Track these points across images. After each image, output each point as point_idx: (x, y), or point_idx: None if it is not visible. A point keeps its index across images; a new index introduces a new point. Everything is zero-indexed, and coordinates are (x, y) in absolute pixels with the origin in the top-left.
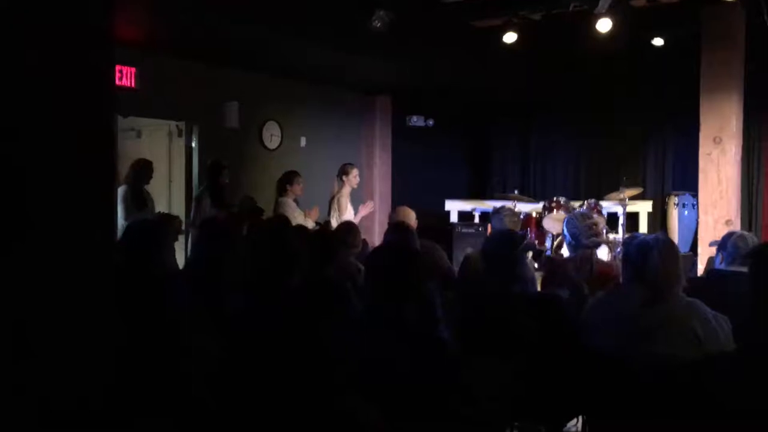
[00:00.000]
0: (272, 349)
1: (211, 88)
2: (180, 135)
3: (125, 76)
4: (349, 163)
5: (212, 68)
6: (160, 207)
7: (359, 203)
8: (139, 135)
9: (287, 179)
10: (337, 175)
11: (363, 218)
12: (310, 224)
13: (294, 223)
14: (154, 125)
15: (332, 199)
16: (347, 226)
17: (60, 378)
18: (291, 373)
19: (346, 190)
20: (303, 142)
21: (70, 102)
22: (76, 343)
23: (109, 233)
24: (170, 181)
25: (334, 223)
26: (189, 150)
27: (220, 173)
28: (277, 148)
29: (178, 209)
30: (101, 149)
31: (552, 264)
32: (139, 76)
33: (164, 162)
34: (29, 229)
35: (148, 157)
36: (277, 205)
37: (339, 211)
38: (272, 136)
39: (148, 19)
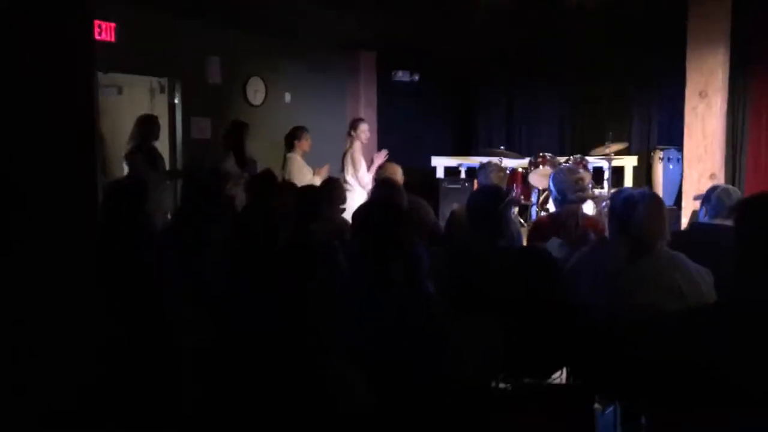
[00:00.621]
0: (259, 311)
1: (193, 43)
2: (162, 91)
3: (105, 31)
4: (360, 118)
5: (194, 23)
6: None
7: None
8: (120, 91)
9: (294, 135)
10: (347, 131)
11: None
12: (318, 182)
13: (303, 180)
14: (135, 81)
15: (344, 155)
16: (331, 182)
17: (43, 372)
18: (278, 335)
19: (358, 145)
20: (288, 98)
21: (46, 58)
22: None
23: (91, 190)
24: None
25: (350, 179)
26: (172, 106)
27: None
28: (261, 104)
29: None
30: (81, 107)
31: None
32: (119, 31)
33: None
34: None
35: (130, 114)
36: (286, 161)
37: (353, 166)
38: (256, 92)
39: None
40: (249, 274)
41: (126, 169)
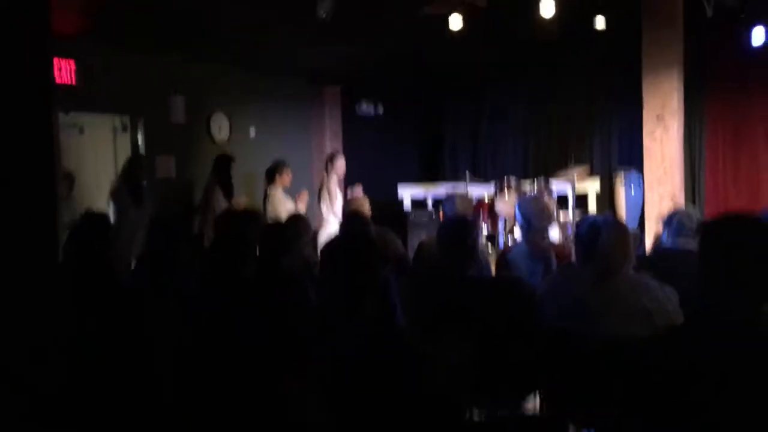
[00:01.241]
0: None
1: (155, 80)
2: (125, 130)
3: (64, 71)
4: (336, 152)
5: (156, 60)
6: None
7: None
8: (81, 131)
9: (276, 169)
10: (324, 164)
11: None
12: (302, 208)
13: (285, 213)
14: (97, 120)
15: (321, 187)
16: (297, 217)
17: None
18: (241, 360)
19: (334, 178)
20: (252, 132)
21: (6, 98)
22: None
23: (52, 229)
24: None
25: (325, 212)
26: (135, 145)
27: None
28: (226, 141)
29: None
30: (41, 147)
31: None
32: (79, 70)
33: (110, 158)
34: None
35: (93, 154)
36: (267, 196)
37: (330, 199)
38: (220, 128)
39: (85, 7)
40: (218, 307)
41: (111, 206)
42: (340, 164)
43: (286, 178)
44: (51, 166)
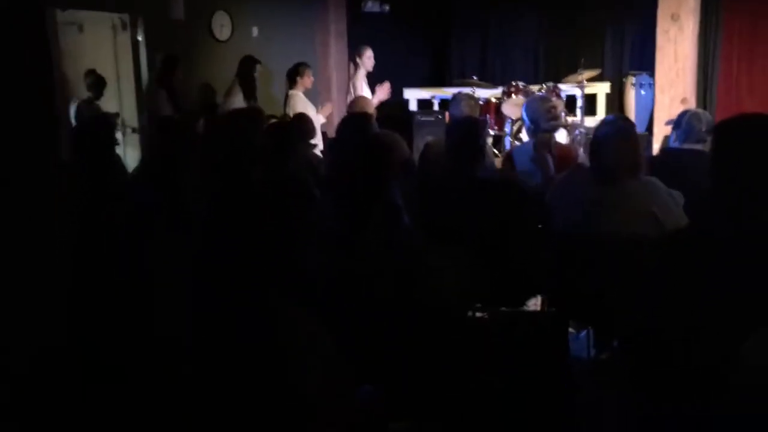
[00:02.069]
0: (236, 246)
1: None
2: (125, 28)
3: None
4: (364, 45)
5: None
6: (110, 105)
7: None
8: (81, 29)
9: (296, 71)
10: (351, 59)
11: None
12: (321, 120)
13: None
14: (96, 18)
15: (349, 83)
16: (302, 117)
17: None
18: (249, 272)
19: (362, 73)
20: (255, 32)
21: None
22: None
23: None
24: (118, 78)
25: None
26: (135, 44)
27: (174, 68)
28: (228, 39)
29: (129, 106)
30: (35, 48)
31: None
32: None
33: (110, 58)
34: None
35: (93, 54)
36: (288, 98)
37: (355, 94)
38: (222, 27)
39: None
40: (226, 210)
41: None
42: (369, 57)
43: (307, 80)
44: (48, 69)
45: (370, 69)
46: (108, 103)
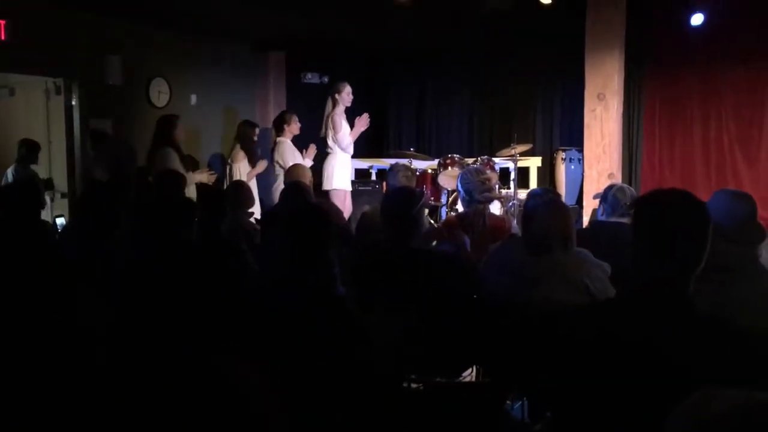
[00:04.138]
0: (162, 303)
1: (91, 41)
2: (58, 92)
3: None
4: (343, 82)
5: (92, 19)
6: (40, 169)
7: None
8: (12, 93)
9: (283, 120)
10: (330, 94)
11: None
12: (308, 163)
13: (293, 162)
14: (29, 82)
15: (326, 117)
16: (238, 185)
17: None
18: (178, 328)
19: (340, 109)
20: (193, 99)
21: None
22: None
23: None
24: (49, 142)
25: (330, 142)
26: (69, 108)
27: (175, 126)
28: (165, 106)
29: (59, 171)
30: None
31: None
32: (9, 28)
33: (42, 122)
34: None
35: (24, 118)
36: (276, 145)
37: (333, 128)
38: (160, 93)
39: None
40: (154, 267)
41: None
42: (347, 93)
43: (294, 126)
44: None
45: (349, 104)
46: (38, 168)
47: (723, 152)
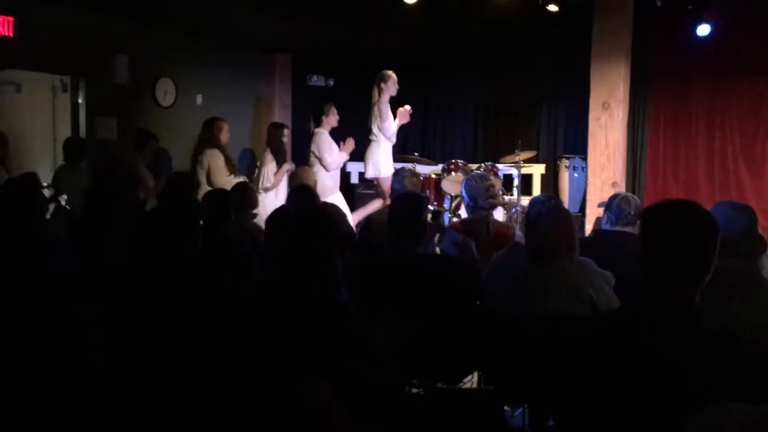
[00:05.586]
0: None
1: (99, 39)
2: (65, 90)
3: (2, 25)
4: (389, 72)
5: (100, 18)
6: (44, 168)
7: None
8: (18, 89)
9: (321, 110)
10: (375, 84)
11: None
12: (344, 157)
13: (331, 154)
14: (35, 79)
15: (372, 106)
16: (242, 187)
17: None
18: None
19: (385, 98)
20: (199, 99)
21: None
22: None
23: None
24: (54, 140)
25: (375, 131)
26: (75, 106)
27: (218, 128)
28: (171, 106)
29: None
30: None
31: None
32: (18, 26)
33: (47, 119)
34: None
35: (30, 115)
36: (314, 136)
37: (380, 117)
38: (166, 93)
39: None
40: (158, 274)
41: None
42: (393, 82)
43: (332, 118)
44: None
45: (394, 94)
46: (42, 166)
47: (727, 163)
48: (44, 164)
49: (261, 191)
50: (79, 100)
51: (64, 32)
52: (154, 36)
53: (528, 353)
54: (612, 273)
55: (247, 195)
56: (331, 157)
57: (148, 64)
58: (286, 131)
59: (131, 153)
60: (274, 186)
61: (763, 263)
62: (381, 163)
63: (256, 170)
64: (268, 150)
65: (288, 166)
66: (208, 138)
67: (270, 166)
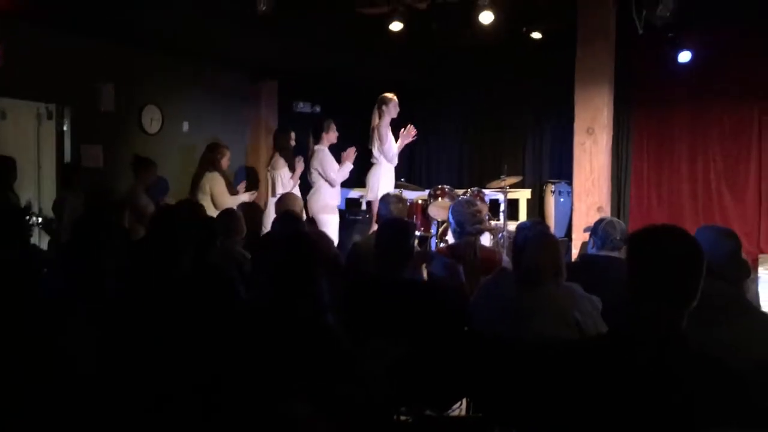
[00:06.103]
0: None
1: (84, 67)
2: (50, 117)
3: None
4: (391, 95)
5: (86, 45)
6: (29, 194)
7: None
8: (3, 116)
9: (321, 127)
10: (376, 107)
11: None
12: (349, 167)
13: (333, 168)
14: (20, 106)
15: (372, 129)
16: (230, 213)
17: None
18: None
19: (386, 121)
20: (185, 126)
21: None
22: None
23: None
24: (39, 167)
25: (376, 153)
26: (60, 134)
27: (219, 153)
28: (157, 133)
29: (48, 197)
30: None
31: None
32: (3, 53)
33: (32, 147)
34: None
35: (14, 142)
36: (315, 153)
37: (380, 140)
38: (152, 120)
39: None
40: (144, 302)
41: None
42: (394, 105)
43: (332, 134)
44: None
45: (395, 116)
46: (26, 192)
47: (710, 187)
48: (28, 191)
49: (277, 196)
50: (65, 128)
51: (50, 60)
52: (140, 63)
53: (516, 377)
54: (598, 297)
55: (233, 222)
56: (335, 173)
57: (134, 91)
58: (293, 134)
59: (123, 179)
60: (292, 189)
61: (748, 287)
62: (380, 188)
63: (268, 176)
64: (278, 155)
65: (302, 165)
66: (209, 161)
67: (283, 171)
